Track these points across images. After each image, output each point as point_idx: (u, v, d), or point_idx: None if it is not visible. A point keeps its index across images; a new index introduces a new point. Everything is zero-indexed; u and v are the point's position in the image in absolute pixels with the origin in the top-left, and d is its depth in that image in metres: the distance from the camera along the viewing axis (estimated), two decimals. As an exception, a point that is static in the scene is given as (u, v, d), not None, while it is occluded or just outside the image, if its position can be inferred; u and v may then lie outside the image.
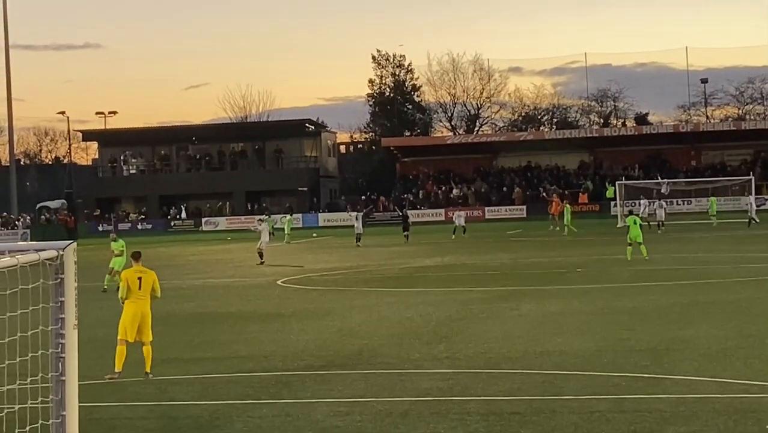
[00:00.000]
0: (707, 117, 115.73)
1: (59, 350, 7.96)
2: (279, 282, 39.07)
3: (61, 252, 7.91)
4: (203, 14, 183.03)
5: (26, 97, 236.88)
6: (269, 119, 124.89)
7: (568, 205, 69.66)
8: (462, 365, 19.21)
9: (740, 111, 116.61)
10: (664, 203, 69.77)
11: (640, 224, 42.92)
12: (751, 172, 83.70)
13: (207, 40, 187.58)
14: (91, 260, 47.95)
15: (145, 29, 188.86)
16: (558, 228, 68.53)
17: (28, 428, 9.80)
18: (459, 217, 69.76)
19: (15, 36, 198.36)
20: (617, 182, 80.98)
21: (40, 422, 8.87)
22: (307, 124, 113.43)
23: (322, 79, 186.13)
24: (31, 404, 9.76)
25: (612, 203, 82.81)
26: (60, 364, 7.97)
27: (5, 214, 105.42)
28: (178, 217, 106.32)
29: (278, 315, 28.46)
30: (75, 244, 8.10)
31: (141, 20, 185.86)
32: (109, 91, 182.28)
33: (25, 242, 11.89)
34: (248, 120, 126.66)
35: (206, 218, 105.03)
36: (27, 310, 9.12)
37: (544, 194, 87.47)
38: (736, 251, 45.25)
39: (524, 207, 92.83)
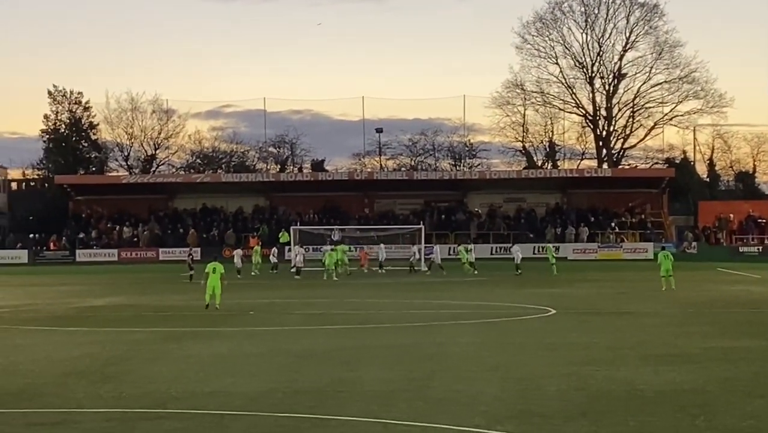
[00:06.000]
0: (381, 166, 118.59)
1: None
2: (-62, 319, 37.31)
3: None
4: None
5: None
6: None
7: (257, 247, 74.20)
8: (128, 404, 18.86)
9: (412, 161, 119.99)
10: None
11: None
12: (421, 222, 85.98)
13: None
14: None
15: None
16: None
17: None
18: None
19: None
20: (291, 227, 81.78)
21: None
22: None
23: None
24: None
25: (287, 248, 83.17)
26: None
27: None
28: None
29: (-66, 353, 27.18)
30: None
31: None
32: None
33: None
34: None
35: None
36: None
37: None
38: (402, 297, 46.46)
39: (199, 249, 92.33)
